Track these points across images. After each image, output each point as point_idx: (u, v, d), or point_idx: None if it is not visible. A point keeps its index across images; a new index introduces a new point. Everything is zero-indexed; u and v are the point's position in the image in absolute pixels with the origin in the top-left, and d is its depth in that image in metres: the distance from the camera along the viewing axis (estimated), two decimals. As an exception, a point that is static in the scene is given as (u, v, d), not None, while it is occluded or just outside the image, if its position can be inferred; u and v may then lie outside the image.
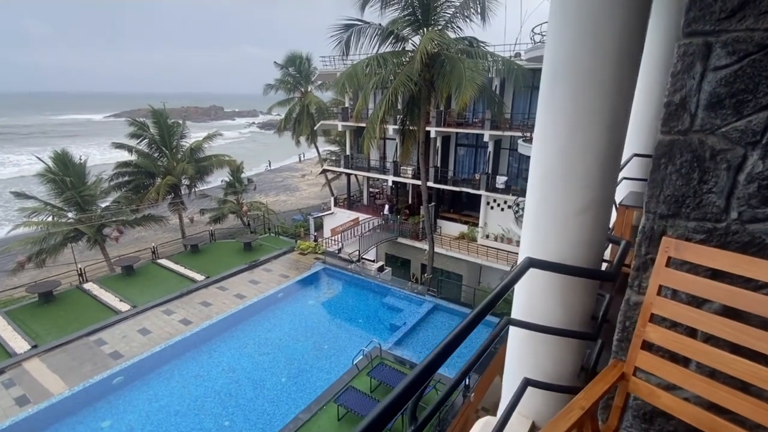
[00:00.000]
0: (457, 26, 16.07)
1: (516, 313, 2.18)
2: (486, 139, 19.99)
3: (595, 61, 1.76)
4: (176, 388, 12.20)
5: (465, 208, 23.11)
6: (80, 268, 18.74)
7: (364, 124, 19.86)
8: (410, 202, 25.62)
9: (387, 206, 24.31)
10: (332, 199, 28.69)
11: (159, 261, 20.39)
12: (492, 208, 21.28)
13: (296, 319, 16.14)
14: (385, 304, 17.03)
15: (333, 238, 22.25)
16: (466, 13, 15.32)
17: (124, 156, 27.34)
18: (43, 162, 22.77)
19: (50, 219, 22.07)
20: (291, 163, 76.87)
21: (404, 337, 14.43)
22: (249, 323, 15.59)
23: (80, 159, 23.87)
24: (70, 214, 22.88)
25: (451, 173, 22.82)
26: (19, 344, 13.46)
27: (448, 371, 9.95)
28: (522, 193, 19.52)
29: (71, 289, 17.51)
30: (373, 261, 22.32)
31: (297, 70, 36.09)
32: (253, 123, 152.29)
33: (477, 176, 21.01)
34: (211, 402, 11.64)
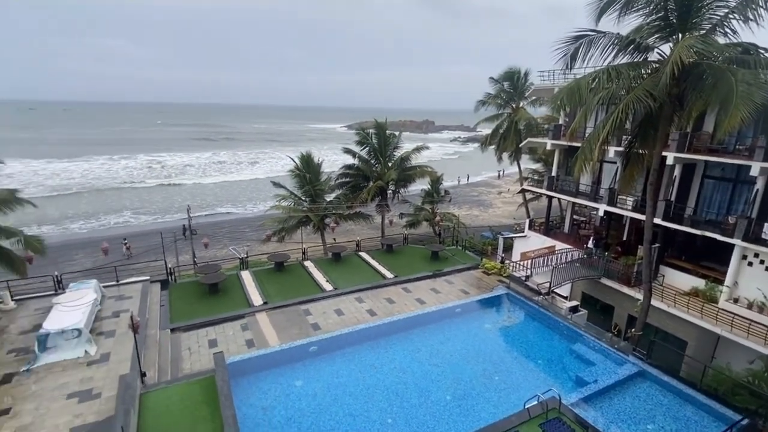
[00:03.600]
0: (730, 29, 12.56)
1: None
2: (754, 172, 15.06)
3: None
4: (354, 372, 13.43)
5: (704, 257, 18.03)
6: (304, 248, 22.90)
7: (577, 144, 17.75)
8: (624, 238, 21.67)
9: (593, 239, 21.19)
10: (527, 221, 26.88)
11: (360, 253, 23.07)
12: (750, 264, 15.94)
13: (470, 338, 15.64)
14: (574, 351, 14.77)
15: (522, 263, 20.75)
16: (748, 14, 11.78)
17: (349, 160, 32.10)
18: (294, 161, 28.77)
19: (292, 205, 27.74)
20: (489, 178, 76.24)
21: (592, 396, 12.15)
22: (425, 330, 15.94)
23: (318, 160, 29.19)
24: (305, 203, 28.27)
25: (690, 211, 18.18)
26: (256, 298, 17.31)
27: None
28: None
29: (296, 263, 21.55)
30: (566, 298, 19.80)
31: (512, 86, 35.43)
32: (458, 137, 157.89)
33: (731, 219, 16.07)
34: (379, 395, 12.32)
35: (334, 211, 28.27)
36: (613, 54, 13.16)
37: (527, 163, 40.57)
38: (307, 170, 27.75)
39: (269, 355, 13.56)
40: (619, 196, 19.92)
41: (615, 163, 20.73)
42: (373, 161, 31.94)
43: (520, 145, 32.93)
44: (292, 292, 18.13)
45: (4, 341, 13.15)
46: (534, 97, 34.17)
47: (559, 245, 22.31)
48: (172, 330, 14.89)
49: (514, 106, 35.79)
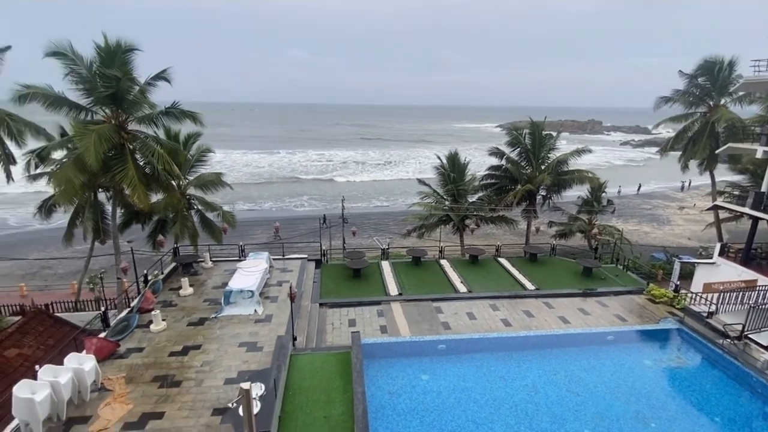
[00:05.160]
0: None
1: None
2: None
3: None
4: (481, 379, 12.98)
5: None
6: (441, 246, 23.07)
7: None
8: None
9: (821, 278, 15.98)
10: (719, 245, 21.77)
11: (499, 259, 22.10)
12: None
13: (622, 372, 13.51)
14: (773, 418, 11.43)
15: (705, 295, 16.93)
16: None
17: (497, 162, 30.96)
18: (440, 159, 29.14)
19: (434, 203, 28.23)
20: (668, 189, 64.43)
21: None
22: (566, 352, 14.40)
23: (465, 159, 28.97)
24: (447, 202, 28.44)
25: None
26: (392, 288, 18.18)
27: None
28: None
29: (432, 260, 21.86)
30: (767, 348, 15.42)
31: (709, 79, 29.07)
32: (630, 141, 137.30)
33: None
34: (506, 409, 11.65)
35: (475, 213, 27.72)
36: None
37: (724, 174, 32.92)
38: (452, 169, 27.83)
39: (400, 343, 14.10)
40: None
41: None
42: (523, 163, 30.16)
43: (716, 152, 26.85)
44: (426, 288, 18.48)
45: (203, 292, 16.72)
46: (741, 93, 27.40)
47: (763, 280, 17.48)
48: (320, 305, 16.74)
49: (711, 103, 29.31)
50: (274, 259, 19.78)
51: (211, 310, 15.19)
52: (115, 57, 18.35)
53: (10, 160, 21.18)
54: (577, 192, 32.31)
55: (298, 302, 15.53)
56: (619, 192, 58.74)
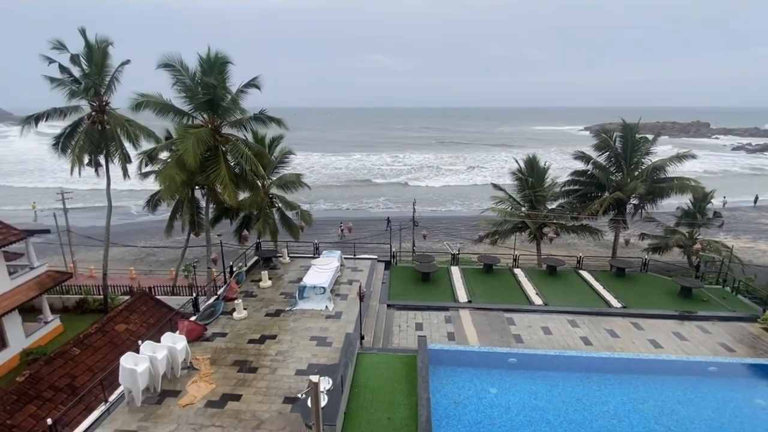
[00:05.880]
0: None
1: None
2: None
3: None
4: (556, 400, 12.09)
5: None
6: (516, 255, 22.01)
7: None
8: None
9: None
10: None
11: (580, 271, 20.50)
12: None
13: (728, 410, 11.74)
14: None
15: (843, 330, 14.11)
16: None
17: (581, 166, 28.83)
18: (517, 163, 27.87)
19: (509, 209, 27.05)
20: (795, 203, 55.20)
21: None
22: (657, 380, 12.88)
23: (545, 164, 27.38)
24: (523, 209, 27.10)
25: None
26: (462, 295, 17.73)
27: None
28: None
29: (505, 269, 20.94)
30: None
31: None
32: (746, 145, 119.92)
33: None
34: (583, 436, 10.72)
35: (555, 221, 26.04)
36: None
37: None
38: (530, 174, 26.45)
39: (468, 352, 13.67)
40: None
41: None
42: (612, 168, 27.74)
43: None
44: (497, 297, 17.73)
45: (280, 285, 17.73)
46: None
47: None
48: (388, 306, 16.87)
49: None
50: (345, 258, 20.36)
51: (286, 303, 16.05)
52: (214, 67, 20.27)
53: (126, 159, 24.36)
54: (675, 202, 28.92)
55: (366, 302, 15.79)
56: (724, 203, 51.12)
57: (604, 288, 18.59)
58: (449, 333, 15.01)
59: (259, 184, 23.83)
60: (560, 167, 44.42)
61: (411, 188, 70.10)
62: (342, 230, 39.07)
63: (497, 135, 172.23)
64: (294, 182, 25.83)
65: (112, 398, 10.58)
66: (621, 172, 27.24)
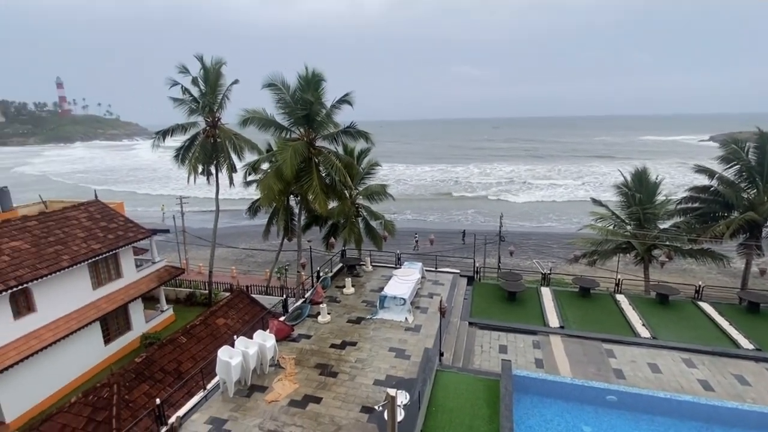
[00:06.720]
0: None
1: None
2: None
3: None
4: (665, 450, 10.42)
5: None
6: (618, 279, 19.72)
7: None
8: None
9: None
10: None
11: (699, 303, 17.67)
12: None
13: None
14: None
15: None
16: None
17: (703, 181, 25.10)
18: (623, 176, 25.18)
19: (611, 227, 24.47)
20: None
21: None
22: (805, 445, 10.45)
23: (656, 178, 24.36)
24: (629, 227, 24.31)
25: None
26: (553, 319, 16.32)
27: None
28: None
29: (605, 293, 18.87)
30: None
31: None
32: None
33: None
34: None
35: (668, 242, 22.91)
36: None
37: None
38: (638, 189, 23.68)
39: (559, 383, 12.45)
40: None
41: None
42: (743, 184, 23.69)
43: None
44: (595, 325, 15.98)
45: (362, 293, 18.04)
46: None
47: None
48: (470, 323, 16.16)
49: None
50: (426, 270, 20.08)
51: (367, 311, 16.24)
52: (310, 84, 21.70)
53: (233, 169, 27.05)
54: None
55: (447, 317, 15.31)
56: None
57: (730, 324, 15.76)
58: (537, 359, 13.86)
59: (347, 194, 24.73)
60: (675, 183, 39.11)
61: (499, 202, 67.48)
62: (417, 242, 38.73)
63: (597, 145, 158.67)
64: (379, 192, 26.37)
65: (209, 386, 11.57)
66: (756, 189, 23.10)
